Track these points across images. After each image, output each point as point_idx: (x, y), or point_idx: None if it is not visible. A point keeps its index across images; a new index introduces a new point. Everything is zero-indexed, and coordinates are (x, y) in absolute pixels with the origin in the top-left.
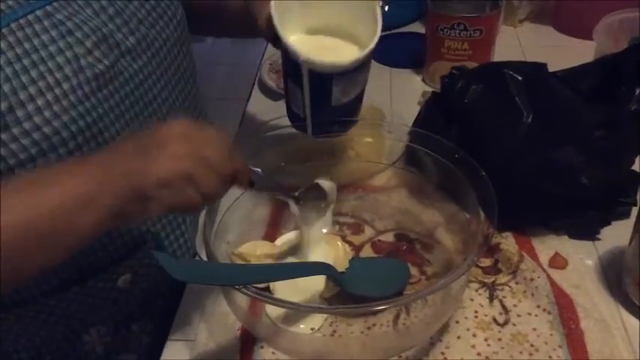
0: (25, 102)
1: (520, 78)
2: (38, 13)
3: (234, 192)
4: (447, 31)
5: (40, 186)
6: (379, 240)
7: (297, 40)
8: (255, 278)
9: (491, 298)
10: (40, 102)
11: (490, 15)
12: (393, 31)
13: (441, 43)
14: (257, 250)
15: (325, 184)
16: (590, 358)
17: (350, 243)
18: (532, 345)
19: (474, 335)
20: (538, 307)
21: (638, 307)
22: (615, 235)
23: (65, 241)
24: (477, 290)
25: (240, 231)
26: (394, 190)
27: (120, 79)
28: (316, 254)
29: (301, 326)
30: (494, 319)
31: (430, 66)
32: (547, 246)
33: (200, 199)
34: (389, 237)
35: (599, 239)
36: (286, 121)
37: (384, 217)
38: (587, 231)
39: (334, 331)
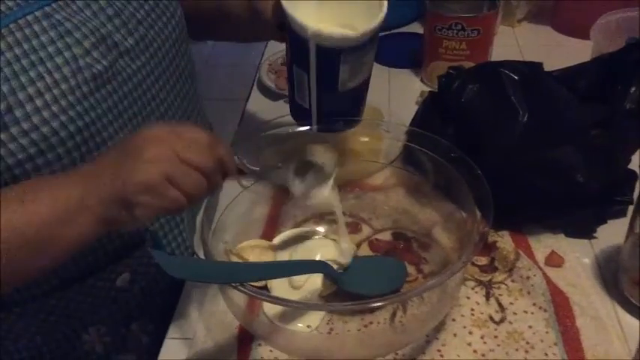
0: (24, 102)
1: (516, 77)
2: (37, 14)
3: (233, 191)
4: (444, 31)
5: (29, 198)
6: (376, 239)
7: (304, 17)
8: (252, 276)
9: (487, 296)
10: (38, 102)
11: (488, 15)
12: (391, 32)
13: (439, 43)
14: (255, 249)
15: (317, 153)
16: (585, 356)
17: None
18: (528, 342)
19: (470, 333)
20: (534, 305)
21: (634, 305)
22: (611, 233)
23: (55, 250)
24: (473, 288)
25: (238, 230)
26: (392, 189)
27: (118, 79)
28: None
29: (299, 324)
30: (491, 317)
31: (428, 66)
32: (543, 244)
33: (184, 198)
34: (386, 236)
35: (595, 238)
36: (285, 121)
37: (381, 216)
38: (583, 229)
39: (331, 329)
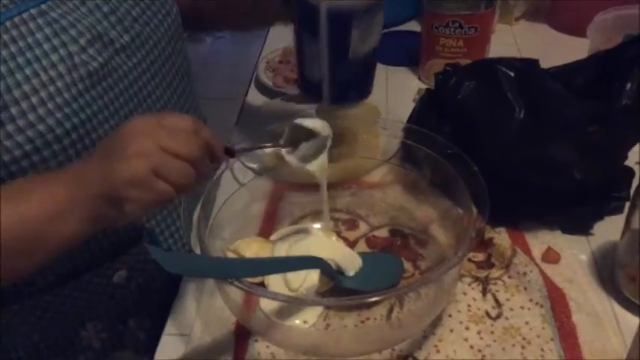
0: (20, 99)
1: (512, 74)
2: (33, 11)
3: (230, 188)
4: (442, 29)
5: (19, 197)
6: (374, 235)
7: None
8: (249, 272)
9: (484, 292)
10: (34, 99)
11: (485, 13)
12: (389, 30)
13: (436, 40)
14: (252, 246)
15: (309, 122)
16: (582, 352)
17: (345, 239)
18: (524, 338)
19: (467, 328)
20: (531, 300)
21: (630, 301)
22: (608, 230)
23: (45, 249)
24: (470, 284)
25: (236, 227)
26: (389, 187)
27: (114, 76)
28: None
29: (295, 321)
30: (487, 313)
31: (426, 64)
32: (540, 241)
33: (173, 190)
34: (383, 232)
35: (591, 234)
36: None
37: (378, 213)
38: (580, 226)
39: (328, 325)
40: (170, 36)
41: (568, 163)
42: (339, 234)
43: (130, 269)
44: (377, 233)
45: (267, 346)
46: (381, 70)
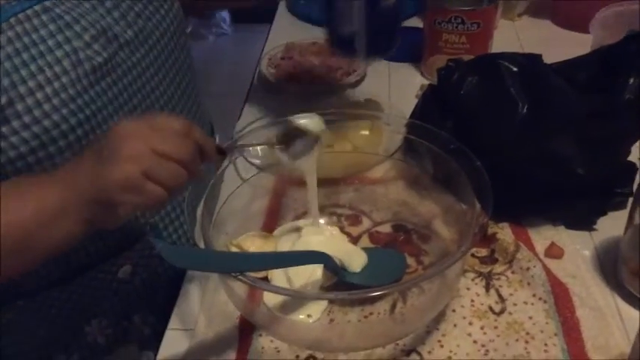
0: (25, 95)
1: (515, 69)
2: (37, 7)
3: (233, 183)
4: (444, 25)
5: (14, 199)
6: (377, 231)
7: None
8: (253, 266)
9: (487, 288)
10: (39, 95)
11: (488, 9)
12: None
13: (439, 36)
14: (255, 241)
15: (303, 121)
16: (585, 347)
17: (348, 234)
18: (528, 333)
19: (471, 324)
20: (534, 296)
21: (633, 296)
22: (611, 225)
23: (39, 251)
24: (473, 280)
25: (239, 222)
26: (392, 182)
27: (118, 71)
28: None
29: (300, 315)
30: (491, 308)
31: (428, 59)
32: (543, 236)
33: (165, 192)
34: (386, 228)
35: (595, 229)
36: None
37: (381, 209)
38: (583, 221)
39: (332, 320)
40: (172, 31)
41: (571, 158)
42: (342, 229)
43: (135, 265)
44: (380, 229)
45: (271, 341)
46: (383, 66)
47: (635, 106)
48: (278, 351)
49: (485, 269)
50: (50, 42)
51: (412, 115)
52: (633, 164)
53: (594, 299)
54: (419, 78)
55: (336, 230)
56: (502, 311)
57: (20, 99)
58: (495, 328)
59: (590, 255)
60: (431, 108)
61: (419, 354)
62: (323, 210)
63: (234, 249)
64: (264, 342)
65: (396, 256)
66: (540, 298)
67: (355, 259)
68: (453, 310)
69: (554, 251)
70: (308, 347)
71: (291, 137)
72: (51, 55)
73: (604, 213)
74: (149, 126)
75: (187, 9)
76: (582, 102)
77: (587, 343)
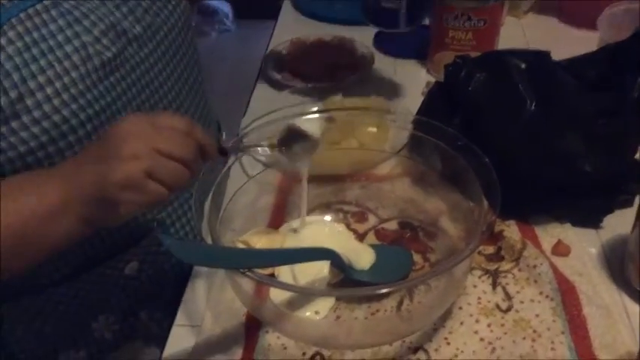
0: (35, 91)
1: (523, 66)
2: (46, 2)
3: (239, 180)
4: (451, 22)
5: (14, 197)
6: (383, 228)
7: None
8: (260, 262)
9: (494, 285)
10: (49, 90)
11: (494, 5)
12: None
13: (446, 33)
14: (262, 238)
15: (304, 123)
16: (592, 344)
17: (354, 231)
18: (535, 331)
19: (477, 321)
20: (541, 293)
21: None
22: (618, 223)
23: (40, 248)
24: (480, 277)
25: (246, 218)
26: (398, 179)
27: (126, 66)
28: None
29: (307, 312)
30: (497, 306)
31: (434, 56)
32: (550, 234)
33: (167, 191)
34: (393, 225)
35: (601, 227)
36: (290, 112)
37: (387, 206)
38: (590, 219)
39: (338, 317)
40: (180, 27)
41: (578, 155)
42: (348, 226)
43: (142, 261)
44: (386, 226)
45: (278, 337)
46: (389, 63)
47: None
48: (285, 348)
49: (492, 267)
50: (59, 37)
51: (418, 112)
52: None
53: (601, 297)
54: (425, 75)
55: (342, 227)
56: (509, 309)
57: (30, 94)
58: (502, 325)
59: (596, 253)
60: (437, 105)
61: (425, 352)
62: (329, 207)
63: (240, 245)
64: (270, 339)
65: (403, 254)
66: (547, 296)
67: (363, 256)
68: (460, 308)
69: (561, 249)
70: (315, 344)
71: (291, 139)
72: (60, 50)
73: (611, 211)
74: (151, 124)
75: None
76: (590, 100)
77: (595, 341)
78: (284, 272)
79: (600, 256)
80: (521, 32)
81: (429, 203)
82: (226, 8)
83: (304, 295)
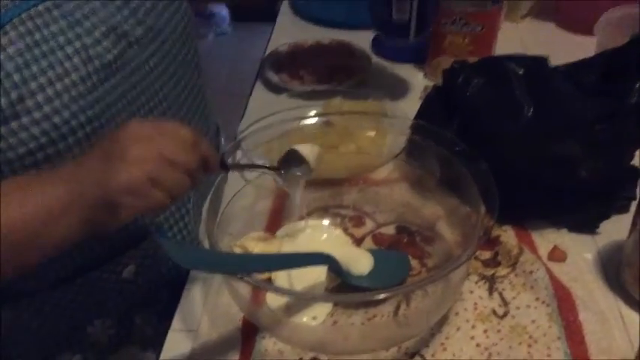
0: (35, 92)
1: (521, 71)
2: (48, 4)
3: (237, 184)
4: (449, 26)
5: (16, 197)
6: (380, 232)
7: None
8: (258, 267)
9: (490, 291)
10: (49, 92)
11: (492, 10)
12: None
13: (443, 38)
14: (259, 242)
15: (304, 149)
16: (588, 350)
17: (351, 235)
18: (531, 336)
19: (474, 327)
20: (537, 299)
21: (636, 300)
22: (614, 229)
23: (41, 249)
24: (476, 282)
25: (243, 222)
26: (396, 183)
27: (127, 68)
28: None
29: (304, 318)
30: (494, 311)
31: (432, 61)
32: (546, 239)
33: (167, 198)
34: (390, 229)
35: (598, 233)
36: (288, 115)
37: (385, 210)
38: (586, 225)
39: (335, 322)
40: (181, 30)
41: (575, 161)
42: (345, 231)
43: (139, 265)
44: (383, 230)
45: (275, 343)
46: (386, 67)
47: None
48: (281, 353)
49: (489, 272)
50: (61, 38)
51: (416, 117)
52: (637, 168)
53: (597, 303)
54: (422, 79)
55: (339, 231)
56: (505, 314)
57: (31, 95)
58: (498, 331)
59: (592, 258)
60: (435, 109)
61: (422, 357)
62: (327, 211)
63: (237, 249)
64: (267, 344)
65: (400, 258)
66: (543, 302)
67: (361, 261)
68: (457, 314)
69: (557, 254)
70: (311, 349)
71: (290, 162)
72: (61, 52)
73: (607, 216)
74: (159, 131)
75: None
76: (587, 105)
77: (590, 347)
78: (281, 277)
79: (596, 262)
80: (518, 37)
81: (426, 208)
82: (223, 11)
83: (301, 300)
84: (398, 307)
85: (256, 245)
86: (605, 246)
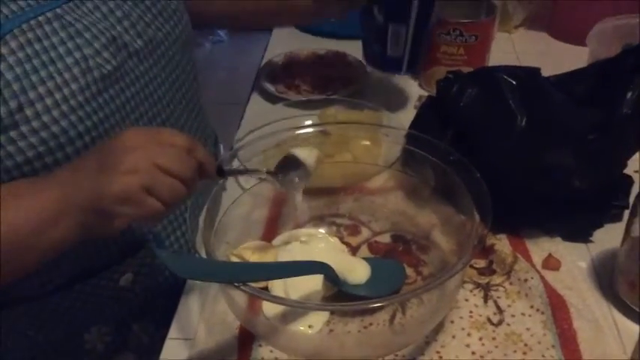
0: (34, 101)
1: (514, 82)
2: (48, 15)
3: (234, 193)
4: (443, 37)
5: (10, 203)
6: (376, 241)
7: None
8: (255, 276)
9: (485, 299)
10: (48, 101)
11: (485, 21)
12: None
13: (437, 48)
14: (255, 251)
15: (302, 152)
16: (582, 357)
17: (347, 244)
18: (526, 344)
19: (469, 335)
20: (532, 307)
21: (630, 307)
22: (607, 237)
23: (35, 254)
24: (471, 291)
25: (239, 231)
26: (391, 192)
27: (126, 79)
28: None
29: (299, 326)
30: (489, 319)
31: (427, 71)
32: (540, 248)
33: (163, 207)
34: (385, 238)
35: (591, 241)
36: (284, 125)
37: (380, 219)
38: (580, 233)
39: (331, 330)
40: (181, 43)
41: (568, 170)
42: (341, 239)
43: (136, 273)
44: (379, 239)
45: (271, 351)
46: (381, 77)
47: (632, 120)
48: None
49: (484, 280)
50: (61, 49)
51: (411, 126)
52: (629, 177)
53: (591, 311)
54: (417, 89)
55: (335, 240)
56: (500, 322)
57: (29, 104)
58: (493, 339)
59: (586, 267)
60: (430, 119)
61: None
62: (322, 219)
63: (234, 258)
64: (263, 352)
65: (396, 266)
66: (538, 310)
67: (357, 269)
68: (452, 322)
69: (552, 263)
70: (308, 357)
71: (288, 166)
72: (61, 62)
73: (600, 225)
74: (154, 139)
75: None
76: (580, 115)
77: (584, 354)
78: (277, 286)
79: (590, 270)
80: (511, 47)
81: (421, 217)
82: None
83: (297, 309)
84: (394, 316)
85: (253, 254)
86: (599, 254)
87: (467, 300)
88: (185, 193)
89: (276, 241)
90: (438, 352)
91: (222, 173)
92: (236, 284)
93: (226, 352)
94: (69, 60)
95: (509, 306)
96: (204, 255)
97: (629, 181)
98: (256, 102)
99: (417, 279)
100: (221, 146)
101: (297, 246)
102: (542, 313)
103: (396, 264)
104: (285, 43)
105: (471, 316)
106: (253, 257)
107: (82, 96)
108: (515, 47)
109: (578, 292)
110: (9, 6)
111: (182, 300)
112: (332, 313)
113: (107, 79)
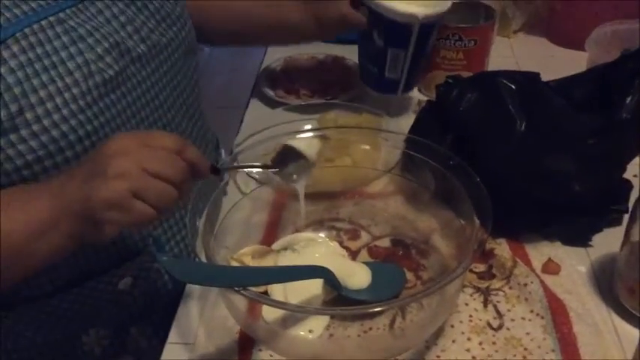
0: (35, 105)
1: (514, 87)
2: (51, 19)
3: (233, 197)
4: (442, 42)
5: (3, 210)
6: (375, 245)
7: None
8: (255, 281)
9: (485, 303)
10: (49, 105)
11: (484, 26)
12: None
13: (437, 53)
14: (255, 255)
15: (300, 143)
16: None
17: (347, 248)
18: (525, 349)
19: (469, 339)
20: (531, 311)
21: (629, 312)
22: (607, 241)
23: (26, 264)
24: (471, 295)
25: (239, 235)
26: (391, 197)
27: (128, 84)
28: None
29: (300, 331)
30: (489, 324)
31: (426, 76)
32: (540, 252)
33: (153, 211)
34: (385, 242)
35: (591, 246)
36: (284, 129)
37: (380, 223)
38: (579, 238)
39: (331, 335)
40: (184, 49)
41: (568, 175)
42: (341, 244)
43: (136, 277)
44: (379, 243)
45: (271, 355)
46: None
47: (631, 124)
48: None
49: (483, 285)
50: (63, 53)
51: (410, 131)
52: (628, 181)
53: (591, 315)
54: (416, 93)
55: (335, 244)
56: (500, 327)
57: (30, 108)
58: (493, 343)
59: (586, 271)
60: (429, 124)
61: None
62: (322, 224)
63: (234, 262)
64: (263, 357)
65: (396, 271)
66: (538, 314)
67: (357, 274)
68: (452, 326)
69: (551, 267)
70: None
71: (286, 158)
72: (63, 67)
73: (600, 229)
74: (141, 143)
75: None
76: (579, 120)
77: (584, 359)
78: (277, 290)
79: (590, 275)
80: (510, 52)
81: (421, 221)
82: None
83: (297, 313)
84: (394, 320)
85: (252, 258)
86: (599, 259)
87: (467, 304)
88: (176, 196)
89: (276, 245)
90: (438, 357)
91: (217, 172)
92: (236, 289)
93: (226, 357)
94: (71, 64)
95: (509, 310)
96: (204, 259)
97: (628, 185)
98: (256, 107)
99: (416, 283)
100: (222, 151)
101: (296, 250)
102: (542, 317)
103: (396, 268)
104: (284, 47)
105: (470, 321)
106: (253, 261)
107: (82, 100)
108: (515, 52)
109: (577, 296)
110: (12, 10)
111: (182, 304)
112: (332, 317)
113: (109, 84)
